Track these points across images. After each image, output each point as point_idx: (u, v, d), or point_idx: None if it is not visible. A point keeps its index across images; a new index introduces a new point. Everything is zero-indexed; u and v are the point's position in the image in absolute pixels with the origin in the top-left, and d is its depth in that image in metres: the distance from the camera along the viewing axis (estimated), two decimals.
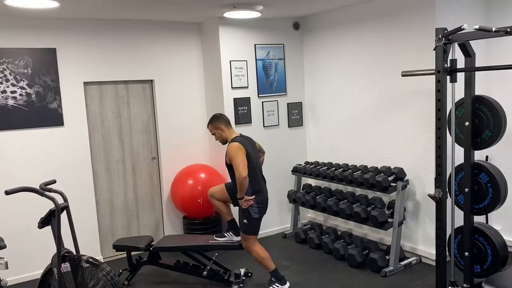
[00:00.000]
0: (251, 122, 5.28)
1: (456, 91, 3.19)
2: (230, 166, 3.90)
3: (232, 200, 4.15)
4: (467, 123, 3.25)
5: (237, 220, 4.26)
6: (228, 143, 3.93)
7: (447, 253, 3.31)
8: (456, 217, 3.36)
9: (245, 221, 3.92)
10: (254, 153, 3.96)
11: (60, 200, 3.01)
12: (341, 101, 5.20)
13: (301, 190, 5.48)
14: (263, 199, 3.95)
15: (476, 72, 3.30)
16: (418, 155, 4.37)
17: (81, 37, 4.71)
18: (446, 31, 3.04)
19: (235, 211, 4.29)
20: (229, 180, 4.14)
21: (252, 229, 3.96)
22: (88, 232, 4.81)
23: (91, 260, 3.00)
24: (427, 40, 3.98)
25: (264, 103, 5.40)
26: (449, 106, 3.23)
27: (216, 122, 4.04)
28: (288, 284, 4.00)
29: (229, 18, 4.91)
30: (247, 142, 3.94)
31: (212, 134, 4.10)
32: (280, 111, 5.55)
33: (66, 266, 3.02)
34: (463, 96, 3.27)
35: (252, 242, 3.98)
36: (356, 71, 4.96)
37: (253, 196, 3.86)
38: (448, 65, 3.14)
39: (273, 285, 3.93)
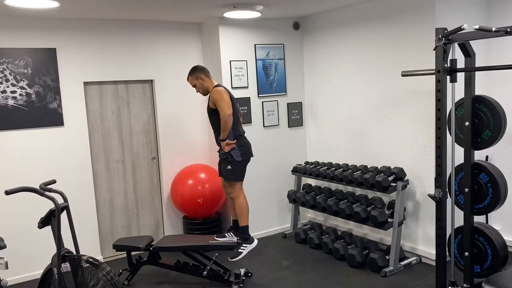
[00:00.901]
0: (251, 122, 5.28)
1: (456, 91, 3.20)
2: (212, 112, 4.05)
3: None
4: (467, 123, 3.25)
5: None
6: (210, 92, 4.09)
7: (447, 253, 3.31)
8: (456, 217, 3.36)
9: (229, 167, 4.02)
10: (235, 102, 4.14)
11: (60, 200, 3.01)
12: (341, 101, 5.20)
13: (301, 190, 5.48)
14: (244, 142, 4.11)
15: (476, 72, 3.30)
16: (418, 155, 4.37)
17: (81, 37, 4.71)
18: (446, 31, 3.04)
19: None
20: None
21: (237, 174, 4.06)
22: (88, 232, 4.81)
23: (91, 260, 3.00)
24: (427, 40, 3.98)
25: (264, 103, 5.40)
26: (449, 106, 3.23)
27: (196, 72, 4.15)
28: (255, 241, 4.12)
29: (229, 18, 4.91)
30: (229, 90, 4.15)
31: (193, 86, 4.21)
32: (280, 111, 5.54)
33: (66, 266, 3.02)
34: (463, 96, 3.27)
35: (238, 189, 4.09)
36: (356, 71, 4.96)
37: (235, 141, 4.00)
38: (448, 65, 3.15)
39: (241, 247, 4.03)
